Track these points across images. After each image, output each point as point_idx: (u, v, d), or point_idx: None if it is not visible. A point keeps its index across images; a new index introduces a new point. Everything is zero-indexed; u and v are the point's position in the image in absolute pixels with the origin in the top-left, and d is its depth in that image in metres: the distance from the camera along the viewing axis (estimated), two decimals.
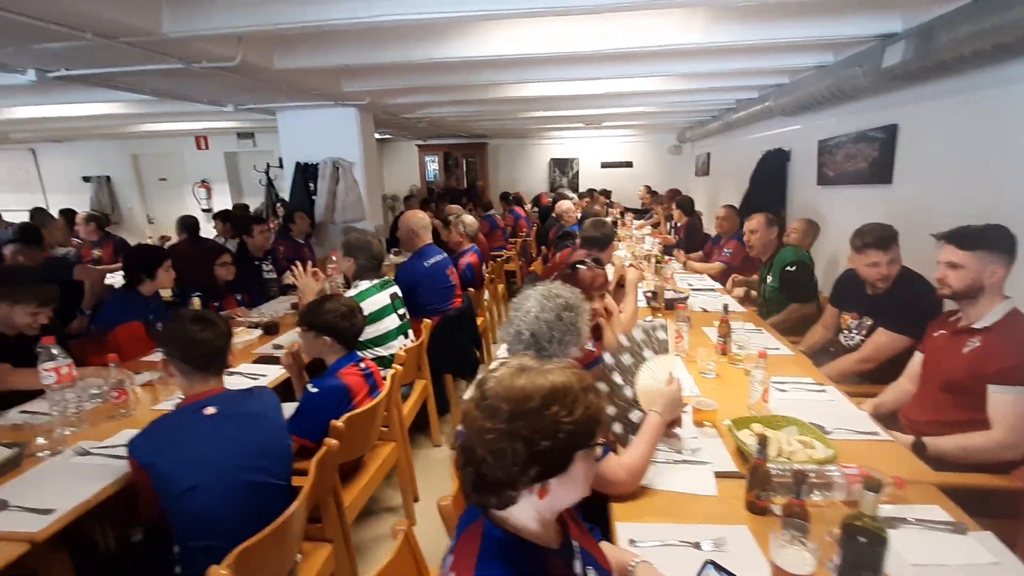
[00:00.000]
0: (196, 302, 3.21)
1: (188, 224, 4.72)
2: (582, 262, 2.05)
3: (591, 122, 7.76)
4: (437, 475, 2.80)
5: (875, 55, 2.79)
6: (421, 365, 2.86)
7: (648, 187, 8.57)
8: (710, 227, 5.53)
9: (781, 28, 3.03)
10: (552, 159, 10.29)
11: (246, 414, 1.47)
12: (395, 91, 4.83)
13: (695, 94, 5.31)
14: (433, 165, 10.30)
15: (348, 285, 2.80)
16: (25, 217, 6.44)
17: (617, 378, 1.48)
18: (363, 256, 2.62)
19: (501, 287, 5.33)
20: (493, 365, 0.89)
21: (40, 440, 1.66)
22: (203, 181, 8.88)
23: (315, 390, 1.81)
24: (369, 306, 2.49)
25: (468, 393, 0.87)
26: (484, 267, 4.23)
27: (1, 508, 1.37)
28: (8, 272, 2.29)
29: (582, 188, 9.90)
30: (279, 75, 3.59)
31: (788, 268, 3.13)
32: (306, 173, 5.59)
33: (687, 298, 3.17)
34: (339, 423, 1.74)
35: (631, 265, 2.54)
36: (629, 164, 10.06)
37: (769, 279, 3.24)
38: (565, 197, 5.97)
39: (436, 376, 3.06)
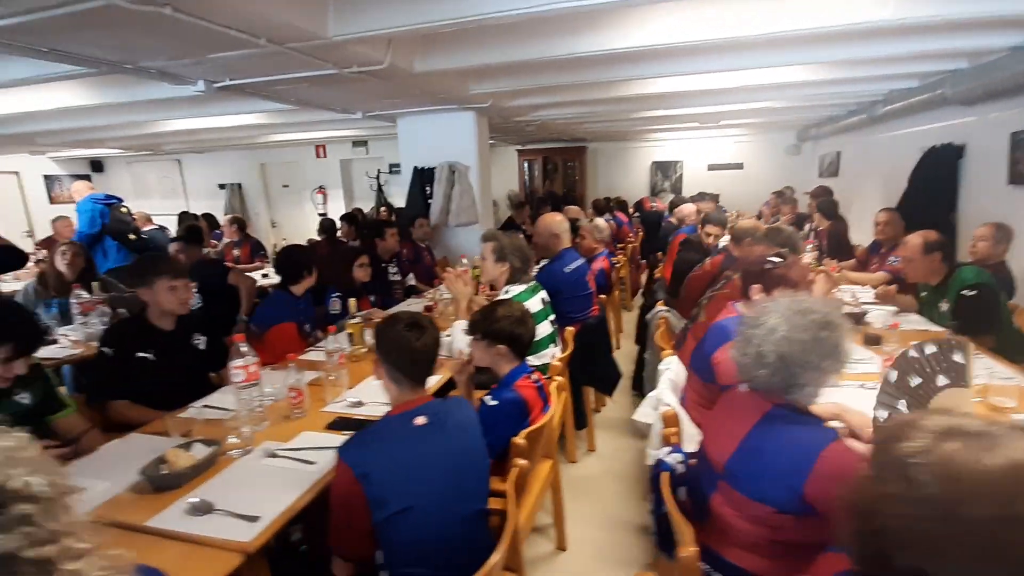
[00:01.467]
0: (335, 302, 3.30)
1: (327, 226, 4.91)
2: (778, 255, 1.78)
3: (707, 121, 7.30)
4: (576, 494, 2.62)
5: None
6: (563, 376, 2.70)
7: (780, 192, 7.83)
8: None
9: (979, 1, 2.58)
10: (654, 162, 9.87)
11: (453, 425, 1.37)
12: (517, 92, 4.77)
13: (840, 84, 4.77)
14: (532, 170, 10.24)
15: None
16: (172, 220, 7.12)
17: (900, 404, 1.21)
18: (518, 259, 2.50)
19: (616, 294, 5.09)
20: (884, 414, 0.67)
21: (232, 439, 1.67)
22: (320, 187, 9.41)
23: (495, 403, 1.69)
24: None
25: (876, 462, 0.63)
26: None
27: (207, 510, 1.36)
28: (136, 264, 2.40)
29: (686, 192, 9.40)
30: (416, 79, 3.61)
31: (967, 292, 2.54)
32: (423, 177, 5.68)
33: (865, 314, 2.76)
34: (521, 440, 1.60)
35: (822, 271, 2.21)
36: (739, 166, 9.41)
37: (943, 305, 2.69)
38: (684, 201, 5.63)
39: (574, 389, 2.88)
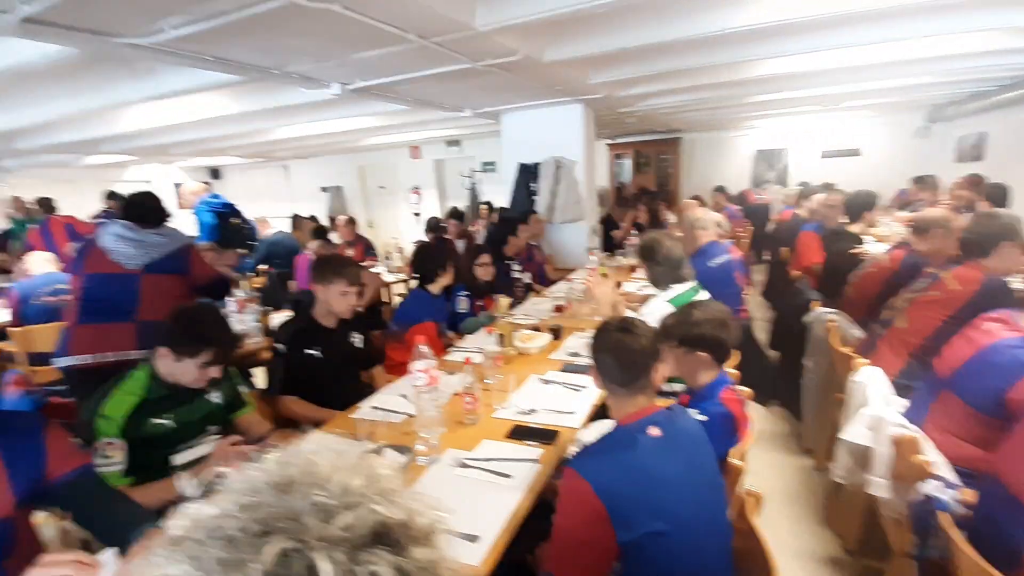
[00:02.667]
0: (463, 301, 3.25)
1: (433, 225, 4.94)
2: None
3: (828, 103, 6.66)
4: None
5: None
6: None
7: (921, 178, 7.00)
8: None
9: None
10: (758, 151, 9.20)
11: (685, 438, 1.22)
12: (633, 80, 4.53)
13: (996, 56, 4.13)
14: (623, 164, 9.91)
15: None
16: (284, 223, 7.50)
17: None
18: (661, 258, 2.31)
19: None
20: None
21: (419, 446, 1.60)
22: (415, 187, 9.61)
23: (704, 417, 1.51)
24: None
25: None
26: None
27: None
28: (322, 260, 2.43)
29: (792, 182, 8.68)
30: (543, 69, 3.49)
31: None
32: (527, 173, 5.58)
33: None
34: (740, 462, 1.41)
35: None
36: (855, 152, 8.55)
37: None
38: (814, 192, 5.12)
39: None
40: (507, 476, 1.48)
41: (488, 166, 8.99)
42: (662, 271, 2.40)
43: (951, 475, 1.44)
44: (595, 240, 5.57)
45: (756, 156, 9.22)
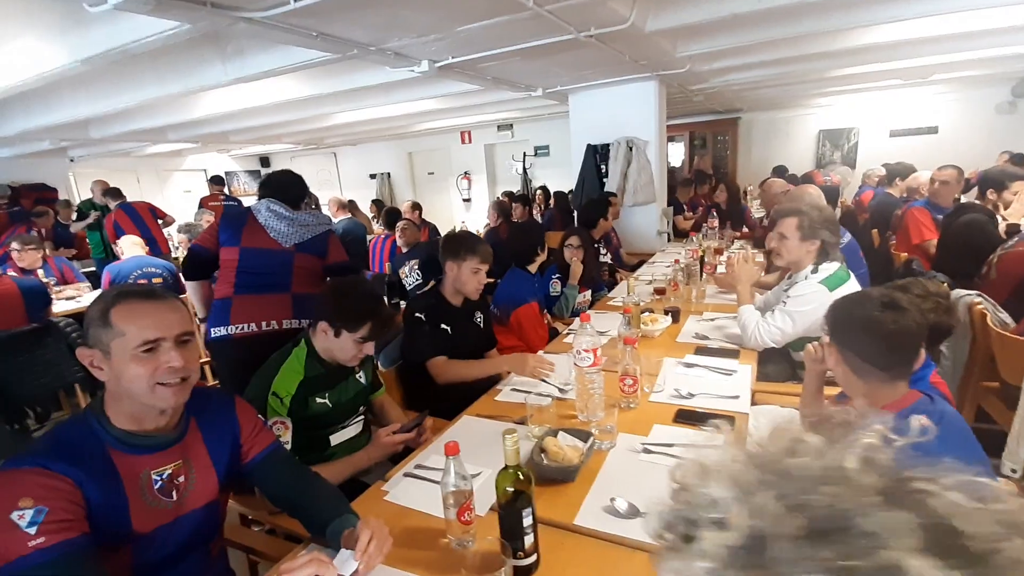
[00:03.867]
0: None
1: (504, 209, 4.86)
2: None
3: (912, 76, 6.27)
4: None
5: None
6: None
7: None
8: None
9: None
10: (821, 130, 8.79)
11: (955, 426, 1.09)
12: (721, 53, 4.31)
13: None
14: (677, 147, 9.62)
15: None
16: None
17: None
18: (829, 232, 2.12)
19: None
20: None
21: (594, 430, 1.52)
22: (465, 173, 9.55)
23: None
24: None
25: None
26: None
27: (635, 514, 1.19)
28: (454, 237, 2.37)
29: (862, 163, 8.28)
30: (642, 40, 3.34)
31: None
32: (596, 155, 5.43)
33: None
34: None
35: None
36: (933, 130, 8.07)
37: None
38: (907, 171, 4.84)
39: None
40: None
41: (541, 150, 8.85)
42: (832, 244, 2.20)
43: None
44: (665, 223, 5.40)
45: (820, 136, 8.82)
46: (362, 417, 1.76)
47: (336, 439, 1.67)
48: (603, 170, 5.41)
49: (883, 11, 3.35)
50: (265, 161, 10.84)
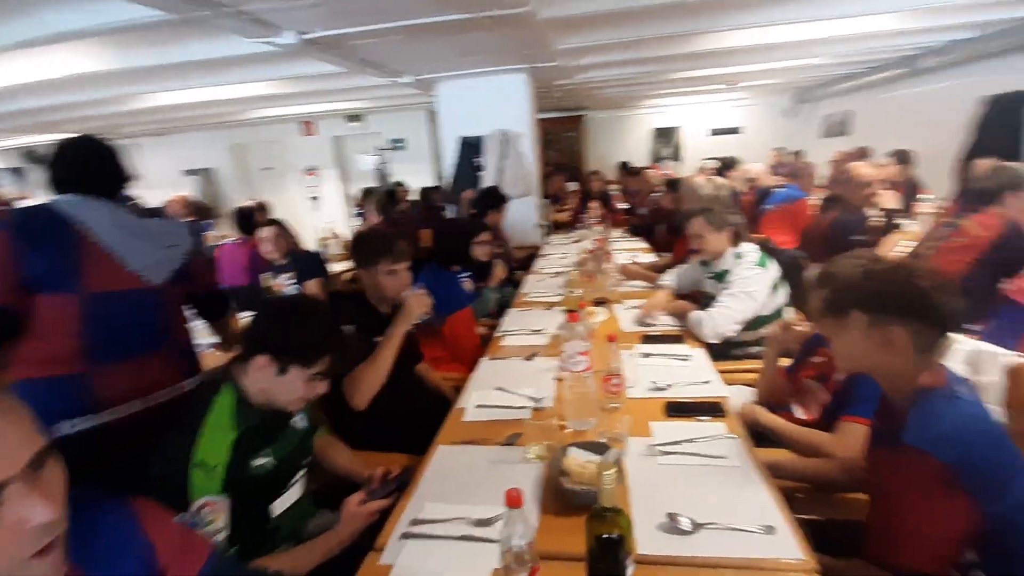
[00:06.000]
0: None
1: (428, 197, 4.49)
2: None
3: (727, 82, 7.24)
4: None
5: None
6: None
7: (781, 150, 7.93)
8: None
9: None
10: (654, 129, 9.80)
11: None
12: (594, 48, 4.43)
13: (891, 38, 4.80)
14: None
15: None
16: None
17: None
18: (733, 216, 2.24)
19: None
20: None
21: (604, 439, 1.36)
22: (310, 168, 8.63)
23: None
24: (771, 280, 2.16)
25: None
26: None
27: (695, 528, 1.07)
28: (358, 241, 2.02)
29: (687, 159, 9.45)
30: (532, 27, 3.24)
31: None
32: (470, 148, 5.27)
33: None
34: None
35: None
36: (738, 130, 9.52)
37: None
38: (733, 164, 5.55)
39: None
40: (722, 457, 1.32)
41: (398, 143, 8.38)
42: (743, 224, 2.30)
43: None
44: (543, 215, 5.48)
45: (653, 134, 9.80)
46: (305, 471, 1.37)
47: (278, 507, 1.27)
48: (477, 163, 5.27)
49: (729, 19, 3.72)
50: (33, 156, 8.55)
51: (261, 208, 5.12)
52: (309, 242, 5.12)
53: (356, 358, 1.67)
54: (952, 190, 4.21)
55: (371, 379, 1.67)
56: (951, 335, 1.08)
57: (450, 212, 5.54)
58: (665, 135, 9.76)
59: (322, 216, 8.26)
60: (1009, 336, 1.86)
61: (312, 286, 3.27)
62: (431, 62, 4.31)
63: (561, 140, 10.04)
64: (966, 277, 2.27)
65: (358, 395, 1.66)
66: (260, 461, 1.19)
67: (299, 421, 1.36)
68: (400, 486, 1.26)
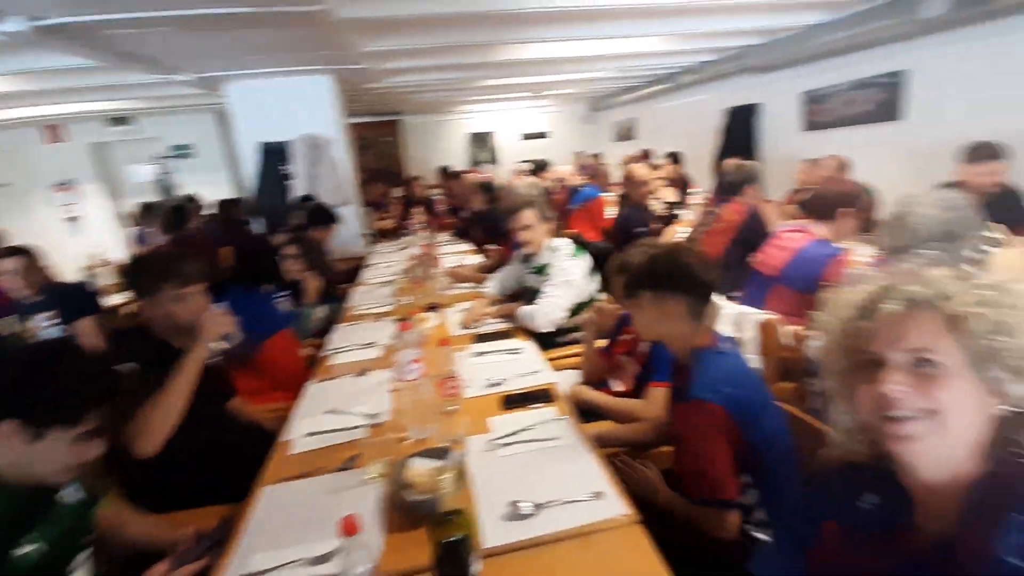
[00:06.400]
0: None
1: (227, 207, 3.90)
2: None
3: (535, 91, 7.80)
4: None
5: (910, 7, 3.32)
6: None
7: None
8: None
9: None
10: (470, 133, 10.12)
11: None
12: (402, 52, 4.39)
13: (661, 57, 5.70)
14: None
15: None
16: None
17: None
18: (549, 208, 2.42)
19: None
20: None
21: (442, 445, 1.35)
22: (61, 183, 7.05)
23: None
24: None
25: None
26: None
27: (542, 507, 1.13)
28: (133, 267, 1.73)
29: (504, 162, 9.97)
30: (330, 27, 3.07)
31: None
32: (275, 155, 4.83)
33: None
34: None
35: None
36: (544, 135, 10.33)
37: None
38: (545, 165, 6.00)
39: None
40: (555, 438, 1.41)
41: (183, 150, 7.30)
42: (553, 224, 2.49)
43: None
44: (366, 224, 5.27)
45: (469, 139, 10.11)
46: (89, 551, 1.11)
47: None
48: (284, 171, 4.86)
49: (532, 32, 4.01)
50: None
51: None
52: (69, 272, 4.18)
53: (140, 401, 1.40)
54: (711, 184, 5.11)
55: (159, 419, 1.41)
56: (716, 302, 1.31)
57: (257, 227, 5.01)
58: (481, 140, 10.14)
59: (85, 240, 6.80)
60: (759, 299, 2.33)
61: (85, 326, 2.67)
62: (216, 59, 3.85)
63: (378, 145, 9.80)
64: (725, 254, 2.79)
65: (141, 439, 1.38)
66: (25, 550, 0.93)
67: (71, 493, 1.10)
68: (217, 543, 1.10)
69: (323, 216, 3.58)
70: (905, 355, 0.65)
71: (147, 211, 4.95)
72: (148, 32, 2.82)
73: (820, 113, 4.59)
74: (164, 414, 1.42)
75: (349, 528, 0.79)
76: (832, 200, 2.15)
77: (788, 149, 4.96)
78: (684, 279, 1.26)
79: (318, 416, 1.65)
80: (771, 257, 2.30)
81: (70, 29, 2.58)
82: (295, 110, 4.75)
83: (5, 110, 5.45)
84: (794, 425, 1.30)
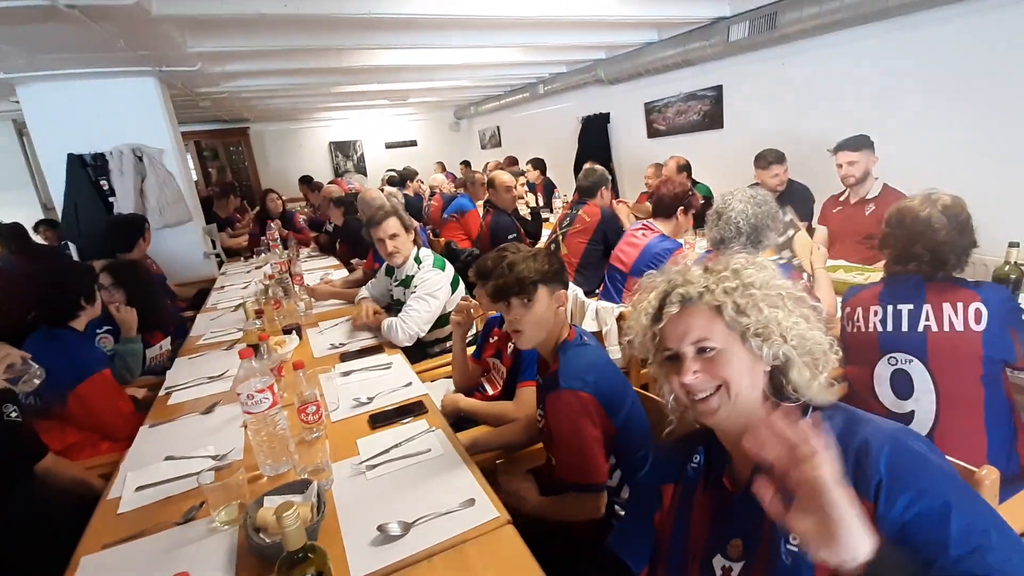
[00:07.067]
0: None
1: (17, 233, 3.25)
2: None
3: (397, 98, 7.64)
4: None
5: (722, 31, 3.83)
6: None
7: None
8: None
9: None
10: (331, 142, 9.63)
11: None
12: (237, 54, 4.05)
13: (515, 67, 5.93)
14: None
15: None
16: None
17: None
18: (410, 217, 2.38)
19: None
20: None
21: (304, 474, 1.24)
22: None
23: None
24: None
25: None
26: None
27: (410, 526, 1.08)
28: None
29: (370, 171, 9.64)
30: (144, 25, 2.72)
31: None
32: (87, 168, 4.16)
33: None
34: None
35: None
36: (414, 143, 10.18)
37: None
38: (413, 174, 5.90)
39: None
40: (426, 451, 1.37)
41: None
42: (415, 233, 2.44)
43: None
44: (214, 243, 4.74)
45: (331, 147, 9.61)
46: None
47: None
48: (104, 187, 4.21)
49: (382, 38, 3.93)
50: None
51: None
52: None
53: None
54: (571, 188, 5.42)
55: None
56: (582, 300, 1.40)
57: (74, 252, 4.28)
58: (344, 148, 9.71)
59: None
60: (616, 293, 2.50)
61: None
62: (7, 55, 3.21)
63: (227, 155, 8.94)
64: (585, 253, 2.96)
65: None
66: None
67: None
68: None
69: (122, 234, 3.14)
70: (691, 347, 0.78)
71: None
72: None
73: (661, 122, 5.09)
74: None
75: None
76: (669, 200, 2.38)
77: (638, 154, 5.43)
78: (537, 274, 1.31)
79: (154, 466, 1.43)
80: (623, 253, 2.49)
81: None
82: (112, 116, 4.11)
83: None
84: (650, 407, 1.40)
